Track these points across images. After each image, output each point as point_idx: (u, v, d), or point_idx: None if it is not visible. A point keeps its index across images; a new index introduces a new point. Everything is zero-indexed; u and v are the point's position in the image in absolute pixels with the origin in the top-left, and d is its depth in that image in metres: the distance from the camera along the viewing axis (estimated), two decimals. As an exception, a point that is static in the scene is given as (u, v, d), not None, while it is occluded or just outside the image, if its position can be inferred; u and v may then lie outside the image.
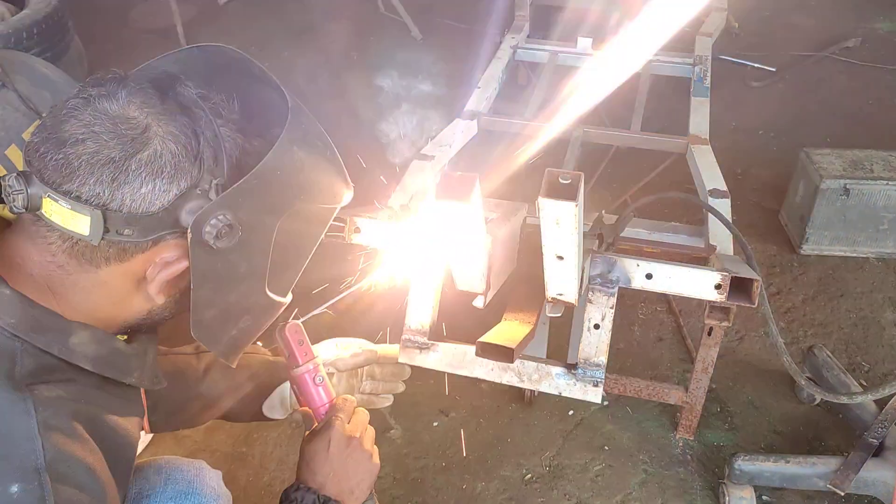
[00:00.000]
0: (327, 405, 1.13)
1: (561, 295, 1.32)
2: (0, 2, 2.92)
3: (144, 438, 1.83)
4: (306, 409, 1.15)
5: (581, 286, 1.34)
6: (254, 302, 0.96)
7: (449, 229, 1.19)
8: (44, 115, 1.98)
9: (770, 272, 2.31)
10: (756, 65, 3.35)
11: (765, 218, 2.53)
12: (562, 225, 1.11)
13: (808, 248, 2.35)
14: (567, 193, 1.06)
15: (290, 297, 1.03)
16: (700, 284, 1.42)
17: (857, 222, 2.27)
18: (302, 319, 1.10)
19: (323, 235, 1.02)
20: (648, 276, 1.43)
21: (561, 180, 1.07)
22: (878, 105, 3.11)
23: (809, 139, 2.88)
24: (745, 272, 1.42)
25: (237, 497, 1.72)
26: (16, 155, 1.92)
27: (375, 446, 1.16)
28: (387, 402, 1.41)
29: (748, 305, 1.40)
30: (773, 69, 3.32)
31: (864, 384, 1.95)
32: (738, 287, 1.44)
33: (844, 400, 1.20)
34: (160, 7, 3.83)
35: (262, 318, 1.00)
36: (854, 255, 2.33)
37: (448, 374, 1.55)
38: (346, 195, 1.04)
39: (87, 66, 3.27)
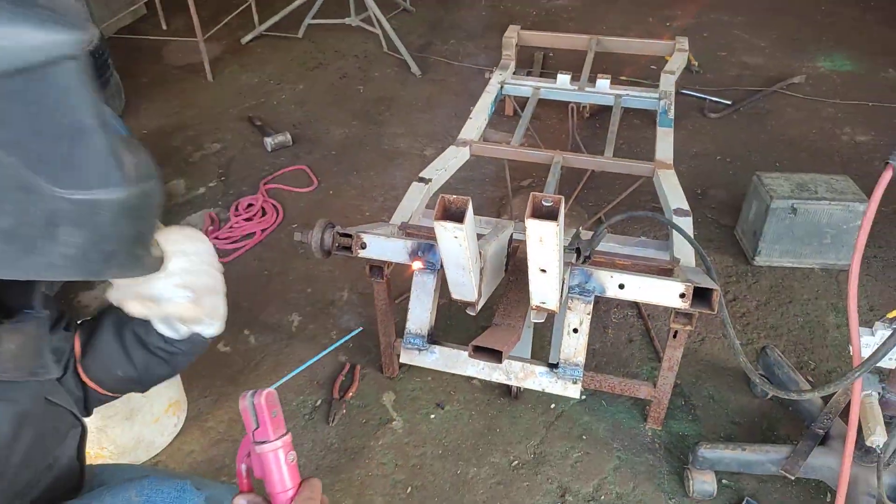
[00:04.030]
0: (292, 491, 0.81)
1: (544, 303, 1.32)
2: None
3: (171, 427, 1.82)
4: (256, 498, 0.81)
5: (561, 295, 1.34)
6: (49, 210, 0.64)
7: (446, 246, 1.19)
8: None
9: (727, 281, 2.31)
10: (714, 98, 3.36)
11: (721, 233, 2.53)
12: (545, 242, 1.11)
13: (760, 260, 2.35)
14: (549, 215, 1.07)
15: (118, 189, 0.69)
16: (666, 293, 1.42)
17: (804, 237, 2.27)
18: (276, 384, 0.84)
19: (88, 97, 0.66)
20: (621, 286, 1.44)
21: (544, 203, 1.08)
22: (821, 134, 3.12)
23: (760, 164, 2.89)
24: (706, 283, 1.42)
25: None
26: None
27: None
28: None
29: (709, 312, 1.41)
30: (729, 102, 3.33)
31: (811, 381, 1.94)
32: (700, 296, 1.44)
33: (795, 397, 1.20)
34: (189, 46, 3.83)
35: (87, 222, 0.67)
36: (801, 265, 2.34)
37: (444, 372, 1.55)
38: (69, 37, 0.62)
39: (124, 98, 3.28)
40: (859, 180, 2.33)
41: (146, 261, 0.80)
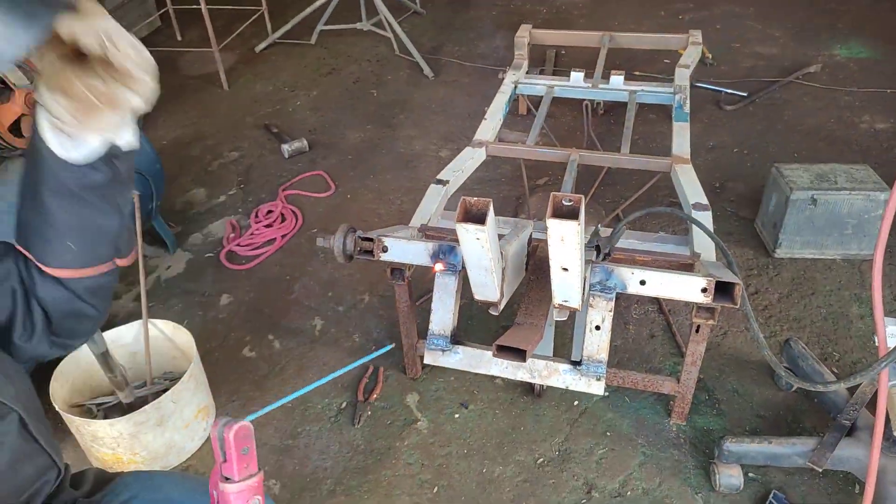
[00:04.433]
0: None
1: (566, 301, 1.33)
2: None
3: (201, 432, 1.85)
4: None
5: (583, 293, 1.35)
6: None
7: (468, 248, 1.21)
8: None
9: (748, 274, 2.31)
10: (729, 91, 3.34)
11: (741, 226, 2.52)
12: (566, 241, 1.12)
13: (781, 252, 2.34)
14: (570, 214, 1.08)
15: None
16: (688, 288, 1.43)
17: (825, 228, 2.26)
18: (254, 416, 0.76)
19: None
20: (642, 283, 1.45)
21: (564, 203, 1.09)
22: (839, 123, 3.09)
23: (778, 155, 2.88)
24: (728, 277, 1.43)
25: (285, 485, 1.75)
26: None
27: None
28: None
29: (732, 306, 1.41)
30: (745, 94, 3.31)
31: (836, 372, 1.94)
32: (722, 290, 1.44)
33: (820, 388, 1.21)
34: (204, 56, 3.89)
35: None
36: (822, 257, 2.32)
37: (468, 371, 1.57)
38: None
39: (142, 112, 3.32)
40: (879, 169, 2.31)
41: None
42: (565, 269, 1.20)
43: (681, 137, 2.22)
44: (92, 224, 0.84)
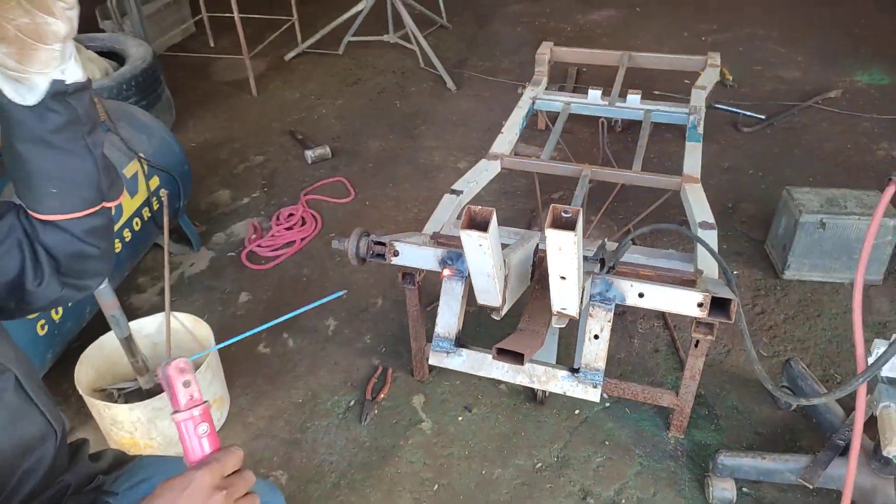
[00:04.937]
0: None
1: (564, 309, 1.39)
2: (104, 60, 3.12)
3: (215, 422, 1.94)
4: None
5: (582, 302, 1.41)
6: None
7: (472, 254, 1.28)
8: (140, 154, 2.09)
9: (756, 294, 2.34)
10: (748, 113, 3.38)
11: (751, 247, 2.56)
12: (563, 251, 1.19)
13: (789, 274, 2.37)
14: (568, 225, 1.15)
15: None
16: (685, 303, 1.48)
17: (833, 252, 2.29)
18: (202, 353, 0.83)
19: None
20: (641, 295, 1.50)
21: (563, 214, 1.16)
22: (856, 149, 3.12)
23: (793, 179, 2.91)
24: (725, 293, 1.48)
25: (292, 476, 1.83)
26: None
27: None
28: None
29: (726, 321, 1.46)
30: (763, 117, 3.35)
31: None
32: (719, 305, 1.50)
33: (803, 402, 1.25)
34: (236, 63, 4.03)
35: None
36: (830, 280, 2.35)
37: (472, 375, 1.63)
38: None
39: (174, 113, 3.47)
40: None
41: None
42: (563, 278, 1.27)
43: (692, 157, 2.27)
44: (66, 168, 0.88)
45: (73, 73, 0.84)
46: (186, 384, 0.77)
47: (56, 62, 0.81)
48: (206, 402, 0.78)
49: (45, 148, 0.86)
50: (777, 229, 2.44)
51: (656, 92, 3.59)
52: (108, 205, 0.96)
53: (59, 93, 0.83)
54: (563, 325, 1.47)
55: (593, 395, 1.51)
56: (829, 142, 3.17)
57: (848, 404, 1.88)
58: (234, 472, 0.79)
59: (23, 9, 0.74)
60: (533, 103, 2.74)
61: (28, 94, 0.82)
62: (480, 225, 1.18)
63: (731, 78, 3.72)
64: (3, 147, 0.88)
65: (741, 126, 3.30)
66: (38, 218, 0.91)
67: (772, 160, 3.06)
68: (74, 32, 0.80)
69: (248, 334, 0.90)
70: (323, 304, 0.97)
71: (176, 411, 0.77)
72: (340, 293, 1.00)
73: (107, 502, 1.01)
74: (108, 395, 1.88)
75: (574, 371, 1.53)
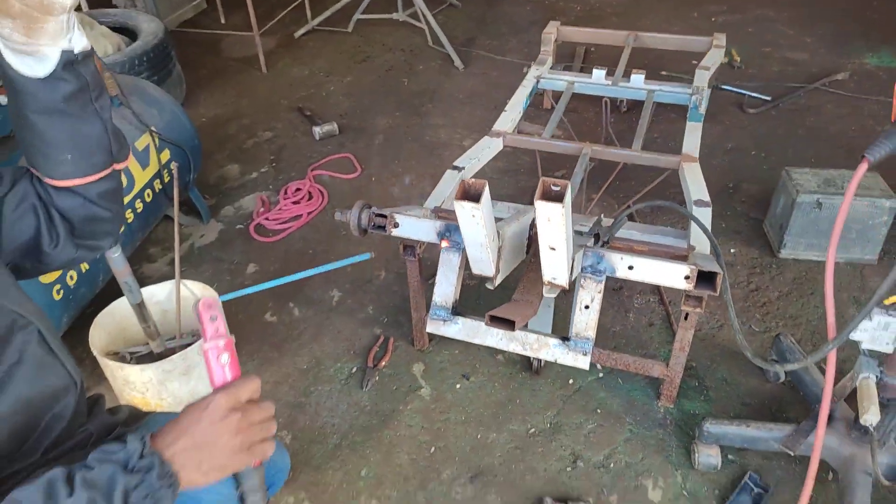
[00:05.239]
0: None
1: (555, 279, 1.46)
2: (117, 35, 3.18)
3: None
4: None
5: (570, 272, 1.48)
6: None
7: (465, 224, 1.34)
8: (151, 128, 2.15)
9: (751, 272, 2.39)
10: (753, 94, 3.39)
11: (750, 226, 2.60)
12: (552, 222, 1.25)
13: (785, 253, 2.42)
14: (556, 197, 1.21)
15: None
16: (672, 275, 1.54)
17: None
18: (228, 296, 0.91)
19: None
20: (630, 268, 1.56)
21: (552, 187, 1.22)
22: (861, 131, 3.13)
23: (796, 160, 2.93)
24: (712, 267, 1.53)
25: (296, 436, 1.91)
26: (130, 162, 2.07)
27: (273, 444, 0.90)
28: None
29: (712, 294, 1.52)
30: (769, 98, 3.36)
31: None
32: (707, 279, 1.55)
33: (778, 368, 1.31)
34: (246, 39, 4.08)
35: None
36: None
37: (470, 343, 1.70)
38: None
39: (185, 88, 3.53)
40: (893, 178, 2.36)
41: None
42: (553, 249, 1.33)
43: (692, 137, 2.31)
44: (79, 133, 0.92)
45: (79, 41, 0.86)
46: (213, 318, 0.85)
47: (64, 32, 0.83)
48: (230, 336, 0.86)
49: (59, 117, 0.90)
50: (775, 209, 2.48)
51: (664, 73, 3.61)
52: (118, 167, 1.01)
53: (69, 62, 0.86)
54: (554, 295, 1.53)
55: (583, 362, 1.58)
56: (833, 124, 3.19)
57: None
58: (253, 401, 0.86)
59: None
60: (537, 82, 2.78)
61: (38, 66, 0.85)
62: (473, 196, 1.24)
63: (738, 59, 3.73)
64: (15, 119, 0.92)
65: (746, 107, 3.32)
66: (54, 184, 0.96)
67: (775, 141, 3.09)
68: (77, 2, 0.84)
69: (274, 283, 0.96)
70: (338, 268, 1.03)
71: (204, 341, 0.86)
72: (368, 255, 1.06)
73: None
74: (120, 359, 1.97)
75: (565, 339, 1.60)
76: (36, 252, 1.00)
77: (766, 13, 4.31)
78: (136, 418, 1.22)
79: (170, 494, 0.80)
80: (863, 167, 1.13)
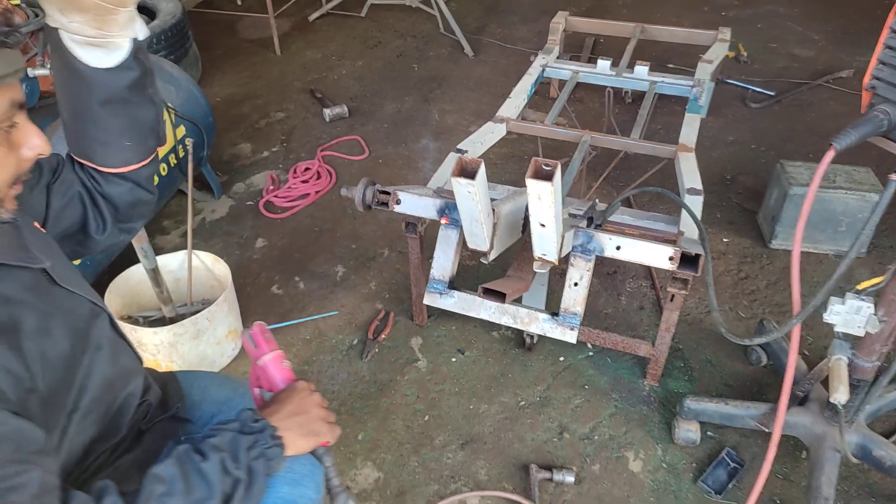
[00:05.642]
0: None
1: (545, 255, 1.55)
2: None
3: (230, 351, 2.13)
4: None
5: (560, 249, 1.57)
6: None
7: (461, 200, 1.43)
8: (168, 104, 2.24)
9: (742, 261, 2.47)
10: (757, 89, 3.45)
11: (744, 217, 2.68)
12: (542, 200, 1.34)
13: (776, 244, 2.49)
14: (546, 176, 1.29)
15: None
16: (657, 256, 1.63)
17: (819, 224, 2.41)
18: (271, 327, 1.15)
19: None
20: (618, 248, 1.65)
21: (543, 167, 1.31)
22: (861, 128, 3.19)
23: (794, 154, 3.00)
24: (693, 248, 1.62)
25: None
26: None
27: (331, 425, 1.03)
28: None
29: (694, 275, 1.61)
30: (772, 93, 3.42)
31: (807, 353, 2.11)
32: (689, 261, 1.64)
33: (746, 342, 1.40)
34: (261, 21, 4.16)
35: None
36: (816, 251, 2.47)
37: (465, 317, 1.79)
38: None
39: (201, 68, 3.63)
40: (884, 173, 2.44)
41: None
42: (543, 225, 1.42)
43: (689, 128, 2.38)
44: (138, 119, 0.96)
45: (142, 28, 0.90)
46: (267, 337, 1.04)
47: (132, 22, 0.89)
48: (280, 350, 1.07)
49: (121, 105, 0.93)
50: (769, 201, 2.55)
51: (671, 65, 3.67)
52: (159, 149, 1.07)
53: (136, 50, 0.89)
54: (545, 271, 1.62)
55: (570, 336, 1.67)
56: (834, 120, 3.25)
57: (811, 361, 2.03)
58: None
59: None
60: (543, 71, 2.85)
61: (108, 57, 0.87)
62: (469, 173, 1.33)
63: (745, 53, 3.78)
64: (72, 110, 0.94)
65: (749, 102, 3.38)
66: (109, 171, 1.01)
67: (775, 136, 3.15)
68: None
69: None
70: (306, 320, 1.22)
71: (263, 355, 1.03)
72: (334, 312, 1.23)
73: (191, 437, 1.06)
74: (133, 322, 2.09)
75: (554, 315, 1.69)
76: (82, 238, 1.06)
77: (776, 9, 4.35)
78: (162, 382, 1.20)
79: (279, 453, 0.93)
80: (829, 154, 1.22)
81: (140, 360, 1.08)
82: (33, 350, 0.79)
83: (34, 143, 0.79)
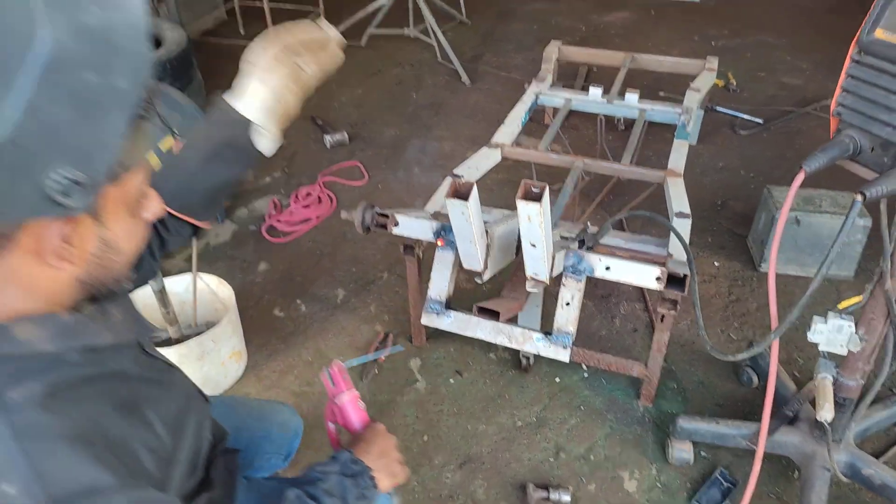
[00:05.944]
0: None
1: (536, 274, 1.60)
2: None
3: (234, 372, 2.18)
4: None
5: (551, 270, 1.62)
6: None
7: (456, 220, 1.50)
8: (174, 130, 2.33)
9: (732, 284, 2.53)
10: (746, 116, 3.55)
11: (734, 241, 2.74)
12: (532, 220, 1.40)
13: (765, 267, 2.55)
14: (535, 197, 1.36)
15: None
16: (645, 276, 1.68)
17: (806, 247, 2.47)
18: (346, 364, 1.22)
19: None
20: (608, 268, 1.71)
21: (532, 188, 1.37)
22: (848, 154, 3.27)
23: (782, 179, 3.07)
24: (682, 270, 1.68)
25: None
26: (153, 160, 2.23)
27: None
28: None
29: (680, 293, 1.66)
30: (761, 121, 3.51)
31: (797, 374, 2.16)
32: (676, 281, 1.70)
33: (730, 358, 1.46)
34: (263, 51, 4.27)
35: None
36: (804, 274, 2.53)
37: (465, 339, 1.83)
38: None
39: (205, 94, 3.71)
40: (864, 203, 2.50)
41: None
42: (533, 245, 1.48)
43: (678, 153, 2.46)
44: (238, 183, 1.10)
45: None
46: (345, 377, 1.15)
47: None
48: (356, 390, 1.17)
49: (244, 173, 1.08)
50: (758, 225, 2.62)
51: (662, 93, 3.77)
52: None
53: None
54: (537, 291, 1.68)
55: (563, 355, 1.72)
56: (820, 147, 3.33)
57: (801, 381, 2.08)
58: None
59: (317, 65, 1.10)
60: (536, 98, 2.94)
61: (272, 145, 1.05)
62: (463, 195, 1.40)
63: (734, 82, 3.89)
64: (212, 176, 1.05)
65: (738, 129, 3.47)
66: (196, 224, 1.10)
67: (764, 162, 3.24)
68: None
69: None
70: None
71: (341, 394, 1.14)
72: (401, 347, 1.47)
73: (286, 479, 1.13)
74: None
75: (547, 334, 1.74)
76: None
77: (765, 39, 4.47)
78: None
79: (375, 494, 1.03)
80: (800, 177, 1.29)
81: (206, 399, 1.08)
82: (156, 420, 0.82)
83: (155, 208, 0.82)
